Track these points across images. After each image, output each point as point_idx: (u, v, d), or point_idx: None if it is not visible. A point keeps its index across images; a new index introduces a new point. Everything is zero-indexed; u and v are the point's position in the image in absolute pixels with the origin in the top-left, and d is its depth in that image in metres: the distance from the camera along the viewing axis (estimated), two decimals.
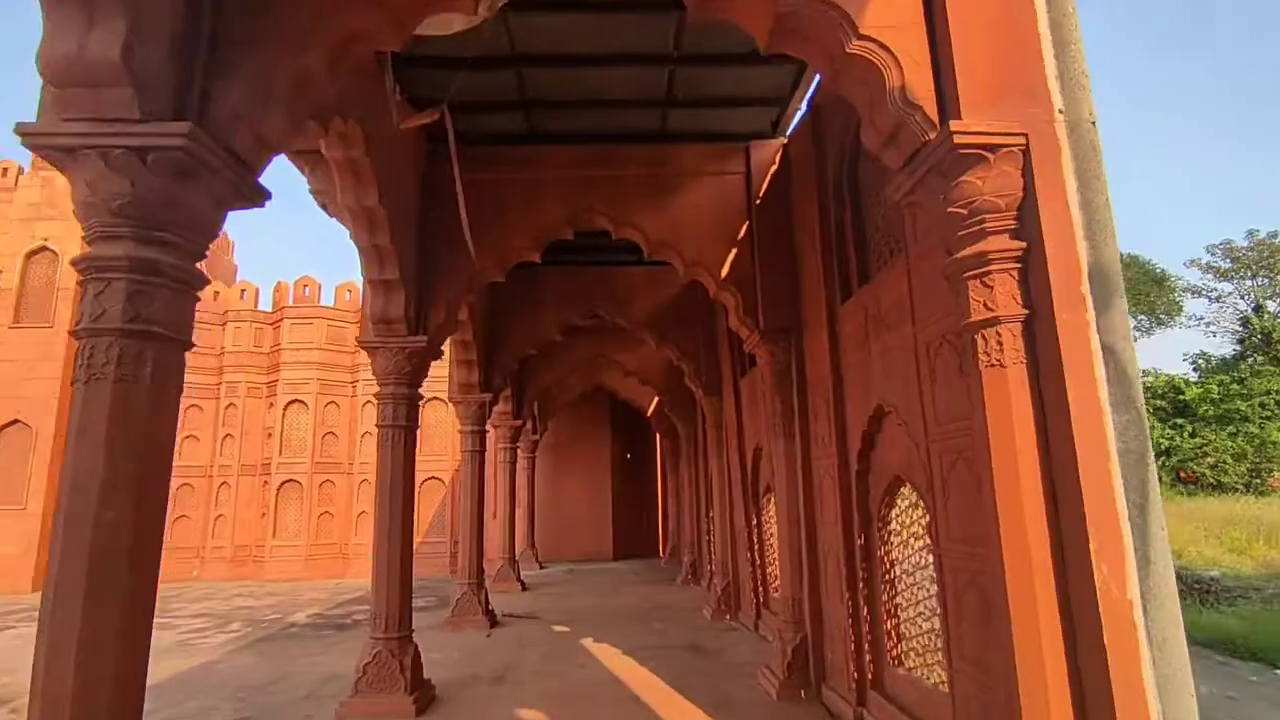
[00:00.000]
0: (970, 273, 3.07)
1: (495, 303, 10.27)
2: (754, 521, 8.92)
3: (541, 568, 16.32)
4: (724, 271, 6.84)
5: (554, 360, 13.40)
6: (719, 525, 10.00)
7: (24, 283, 18.73)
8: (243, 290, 20.92)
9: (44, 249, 18.95)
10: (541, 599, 12.08)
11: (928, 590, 4.61)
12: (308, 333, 20.39)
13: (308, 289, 20.80)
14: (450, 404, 10.25)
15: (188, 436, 19.81)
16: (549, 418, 16.80)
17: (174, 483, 19.64)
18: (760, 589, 8.76)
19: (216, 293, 21.04)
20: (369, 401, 20.60)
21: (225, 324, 20.56)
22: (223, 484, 19.88)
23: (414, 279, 6.44)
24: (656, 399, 16.38)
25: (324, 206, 6.77)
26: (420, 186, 6.61)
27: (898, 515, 5.12)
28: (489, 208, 6.82)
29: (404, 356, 6.33)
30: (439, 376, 19.65)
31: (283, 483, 19.62)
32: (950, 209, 3.09)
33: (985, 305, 3.01)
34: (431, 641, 8.93)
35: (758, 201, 6.91)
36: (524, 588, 13.03)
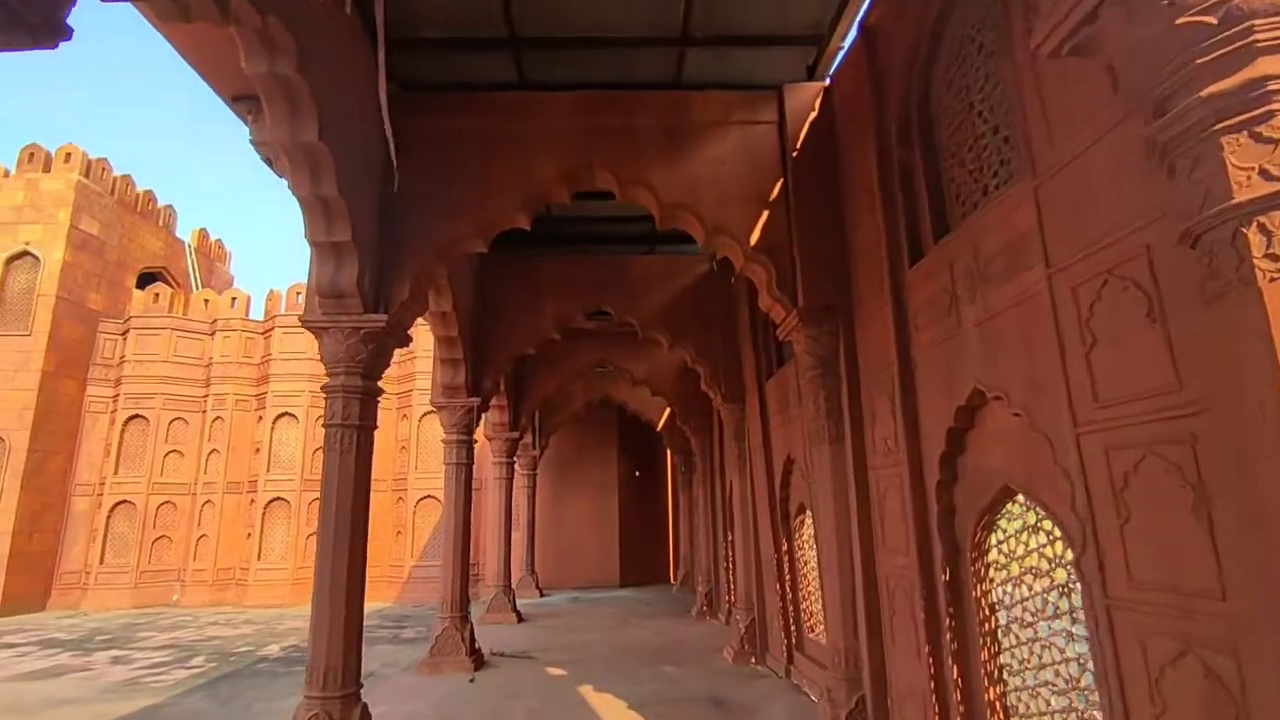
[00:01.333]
0: (1223, 123, 1.77)
1: (486, 293, 9.03)
2: (784, 547, 7.53)
3: (542, 595, 14.89)
4: (753, 239, 5.56)
5: (555, 366, 12.11)
6: (741, 551, 8.62)
7: (2, 288, 17.74)
8: (233, 299, 19.86)
9: (25, 254, 17.99)
10: (538, 633, 10.67)
11: (1058, 651, 3.24)
12: (300, 342, 19.22)
13: (301, 296, 19.70)
14: (436, 410, 8.96)
15: (171, 451, 18.62)
16: (551, 431, 15.48)
17: (155, 500, 18.56)
18: (793, 629, 7.34)
19: (206, 300, 19.99)
20: None
21: (214, 333, 19.47)
22: (206, 502, 18.63)
23: (372, 244, 5.17)
24: (668, 411, 15.04)
25: (269, 161, 5.59)
26: (385, 136, 5.38)
27: (1002, 542, 3.76)
28: (470, 162, 5.58)
29: (358, 339, 5.06)
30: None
31: (270, 501, 18.37)
32: (1184, 19, 1.80)
33: (1264, 173, 1.70)
34: (402, 689, 7.54)
35: (794, 154, 5.65)
36: (520, 619, 11.63)
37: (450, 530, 8.32)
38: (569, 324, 9.23)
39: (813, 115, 5.71)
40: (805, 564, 7.25)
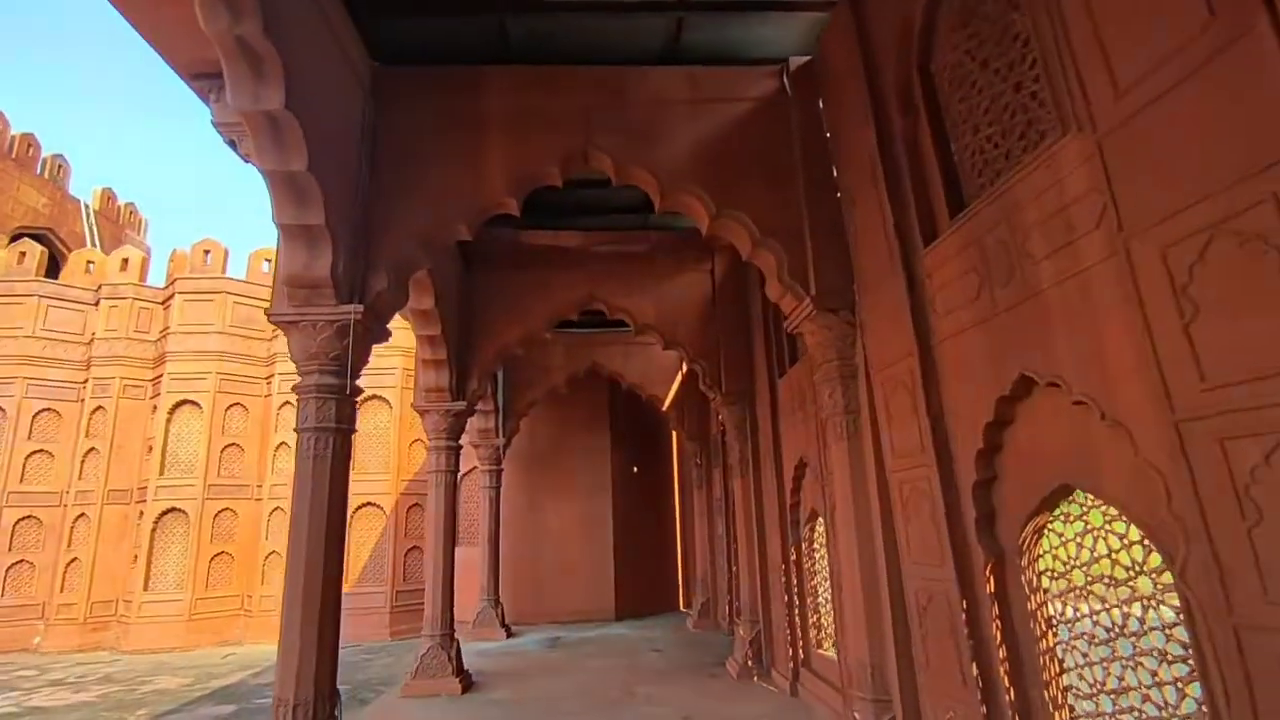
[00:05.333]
0: None
1: (386, 123, 4.91)
2: (990, 585, 3.47)
3: (509, 636, 10.64)
4: None
5: (520, 303, 8.06)
6: (858, 581, 4.49)
7: None
8: (124, 259, 15.49)
9: None
10: (492, 717, 6.49)
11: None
12: (206, 312, 15.01)
13: (209, 255, 15.45)
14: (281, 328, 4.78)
15: (36, 452, 14.23)
16: (521, 413, 11.28)
17: (12, 515, 14.06)
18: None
19: (90, 262, 15.67)
20: (288, 402, 15.11)
21: (98, 302, 15.14)
22: (80, 516, 14.24)
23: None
24: (682, 374, 10.96)
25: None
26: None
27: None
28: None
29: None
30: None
31: (163, 513, 14.00)
32: None
33: None
34: None
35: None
36: (467, 685, 7.41)
37: (300, 551, 4.16)
38: (534, 187, 5.10)
39: None
40: (1047, 612, 3.22)
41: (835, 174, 4.90)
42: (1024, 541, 3.20)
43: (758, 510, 7.61)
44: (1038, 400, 3.07)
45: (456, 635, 7.66)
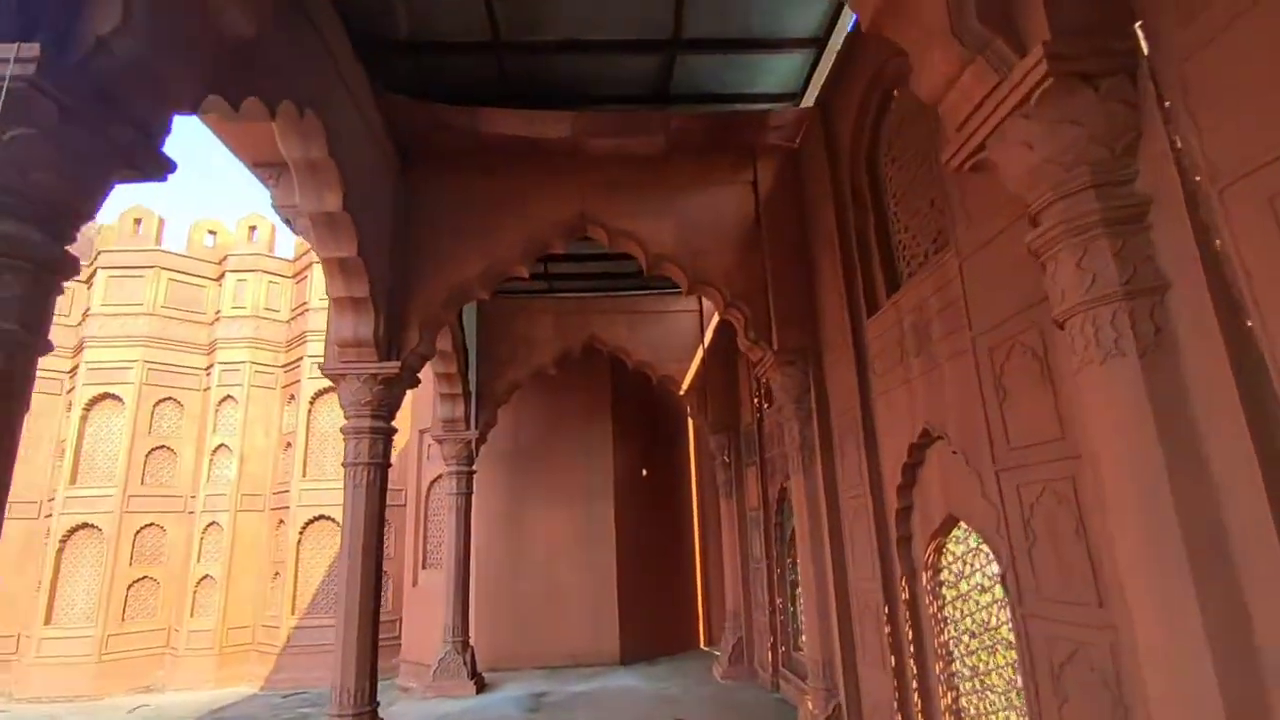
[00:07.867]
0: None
1: None
2: None
3: (480, 689, 7.96)
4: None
5: (482, 216, 5.57)
6: (1209, 692, 1.98)
7: None
8: None
9: None
10: None
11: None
12: (135, 290, 12.59)
13: (141, 224, 13.05)
14: None
15: None
16: (499, 400, 8.72)
17: None
18: None
19: None
20: (228, 396, 12.61)
21: None
22: None
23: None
24: (701, 354, 8.44)
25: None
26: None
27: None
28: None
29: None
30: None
31: (73, 529, 11.48)
32: None
33: None
34: None
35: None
36: None
37: None
38: None
39: None
40: None
41: None
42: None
43: (832, 519, 5.03)
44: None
45: (412, 686, 5.07)
